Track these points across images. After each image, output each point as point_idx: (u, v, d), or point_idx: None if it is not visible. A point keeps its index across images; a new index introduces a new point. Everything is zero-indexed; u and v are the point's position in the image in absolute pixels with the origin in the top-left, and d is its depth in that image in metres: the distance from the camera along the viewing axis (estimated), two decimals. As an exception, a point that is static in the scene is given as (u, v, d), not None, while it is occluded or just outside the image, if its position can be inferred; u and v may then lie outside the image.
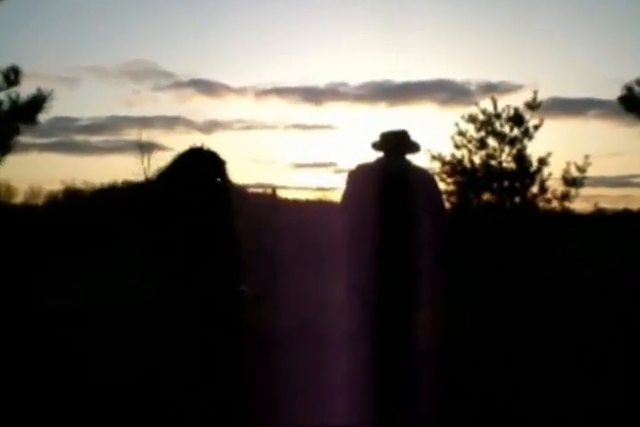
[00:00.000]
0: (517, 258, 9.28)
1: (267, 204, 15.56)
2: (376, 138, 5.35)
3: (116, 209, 14.00)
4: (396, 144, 5.25)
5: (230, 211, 4.32)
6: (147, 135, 25.86)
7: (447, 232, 5.15)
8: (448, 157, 10.78)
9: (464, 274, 8.43)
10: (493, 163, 10.57)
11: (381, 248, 4.95)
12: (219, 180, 4.33)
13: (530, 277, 8.86)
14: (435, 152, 10.79)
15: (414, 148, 5.31)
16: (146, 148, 14.52)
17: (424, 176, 5.26)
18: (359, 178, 5.19)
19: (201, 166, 4.33)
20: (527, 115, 10.66)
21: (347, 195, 5.19)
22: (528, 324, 7.24)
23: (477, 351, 6.37)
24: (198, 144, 4.45)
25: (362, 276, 4.98)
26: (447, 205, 9.78)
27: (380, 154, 5.32)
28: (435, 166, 10.66)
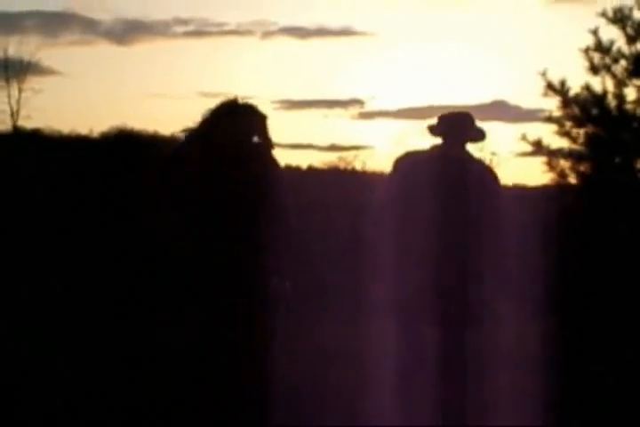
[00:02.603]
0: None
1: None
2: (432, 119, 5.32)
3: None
4: (459, 128, 5.19)
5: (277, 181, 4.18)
6: (15, 48, 19.42)
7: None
8: (575, 89, 7.49)
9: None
10: (660, 101, 7.61)
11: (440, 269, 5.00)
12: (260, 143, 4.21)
13: None
14: (553, 78, 7.50)
15: (479, 134, 5.28)
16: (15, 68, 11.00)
17: (485, 170, 5.30)
18: (409, 169, 5.13)
19: (243, 129, 4.17)
20: None
21: (390, 190, 5.19)
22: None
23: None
24: (230, 95, 4.31)
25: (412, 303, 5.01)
26: (574, 178, 7.51)
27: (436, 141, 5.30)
28: (550, 105, 7.62)
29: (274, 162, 4.34)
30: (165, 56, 31.01)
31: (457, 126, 5.33)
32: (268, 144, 4.33)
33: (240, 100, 4.34)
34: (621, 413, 5.54)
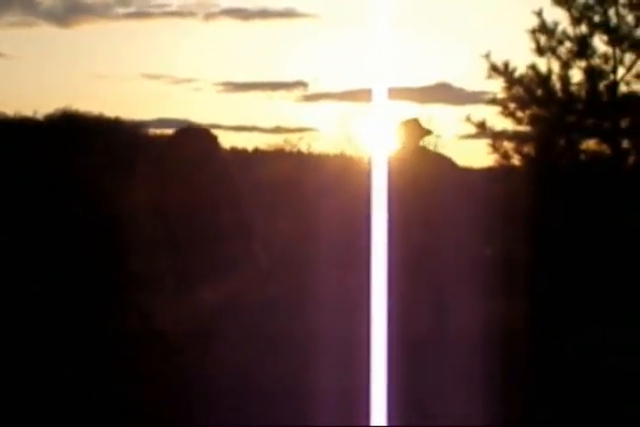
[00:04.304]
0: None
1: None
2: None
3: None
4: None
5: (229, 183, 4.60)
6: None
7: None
8: (521, 70, 7.51)
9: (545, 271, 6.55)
10: (604, 84, 7.43)
11: None
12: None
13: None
14: (497, 60, 7.45)
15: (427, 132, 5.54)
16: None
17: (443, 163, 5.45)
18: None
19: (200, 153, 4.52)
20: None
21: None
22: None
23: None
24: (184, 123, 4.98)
25: None
26: (517, 160, 7.63)
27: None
28: (494, 87, 7.62)
29: (230, 170, 4.94)
30: (108, 37, 30.48)
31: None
32: (224, 158, 4.92)
33: (195, 127, 4.95)
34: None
